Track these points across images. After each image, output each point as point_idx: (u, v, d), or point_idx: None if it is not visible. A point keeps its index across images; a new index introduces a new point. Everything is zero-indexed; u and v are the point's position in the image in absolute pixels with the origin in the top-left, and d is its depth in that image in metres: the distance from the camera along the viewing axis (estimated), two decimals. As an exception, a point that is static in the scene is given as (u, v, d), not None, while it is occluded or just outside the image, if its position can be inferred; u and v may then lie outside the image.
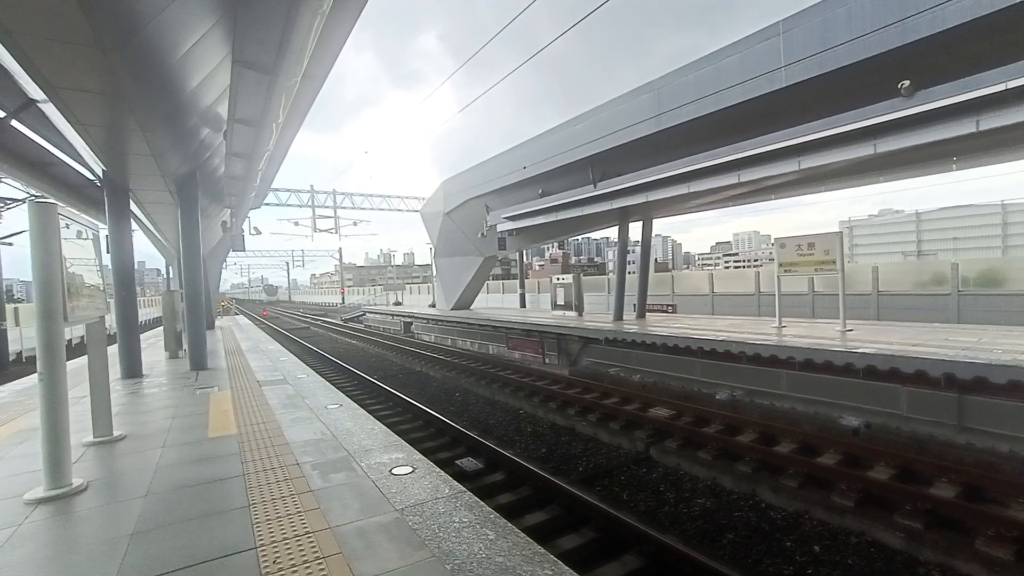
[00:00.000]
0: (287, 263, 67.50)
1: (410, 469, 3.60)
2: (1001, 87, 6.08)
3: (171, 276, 19.37)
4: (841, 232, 9.66)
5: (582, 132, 12.22)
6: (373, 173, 35.99)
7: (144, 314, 29.14)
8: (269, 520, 2.86)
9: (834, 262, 8.90)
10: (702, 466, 6.28)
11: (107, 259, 8.01)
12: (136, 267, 8.82)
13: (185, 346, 9.24)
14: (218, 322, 21.57)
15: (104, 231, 8.41)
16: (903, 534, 4.50)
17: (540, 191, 14.87)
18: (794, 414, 7.78)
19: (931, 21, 6.39)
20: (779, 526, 4.94)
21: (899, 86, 6.84)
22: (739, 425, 7.34)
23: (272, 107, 5.76)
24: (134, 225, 10.12)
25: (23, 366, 15.35)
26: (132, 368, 8.13)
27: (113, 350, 8.25)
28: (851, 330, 9.01)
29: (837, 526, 4.84)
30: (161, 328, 12.11)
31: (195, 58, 5.11)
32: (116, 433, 4.68)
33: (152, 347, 11.99)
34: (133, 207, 9.60)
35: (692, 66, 9.53)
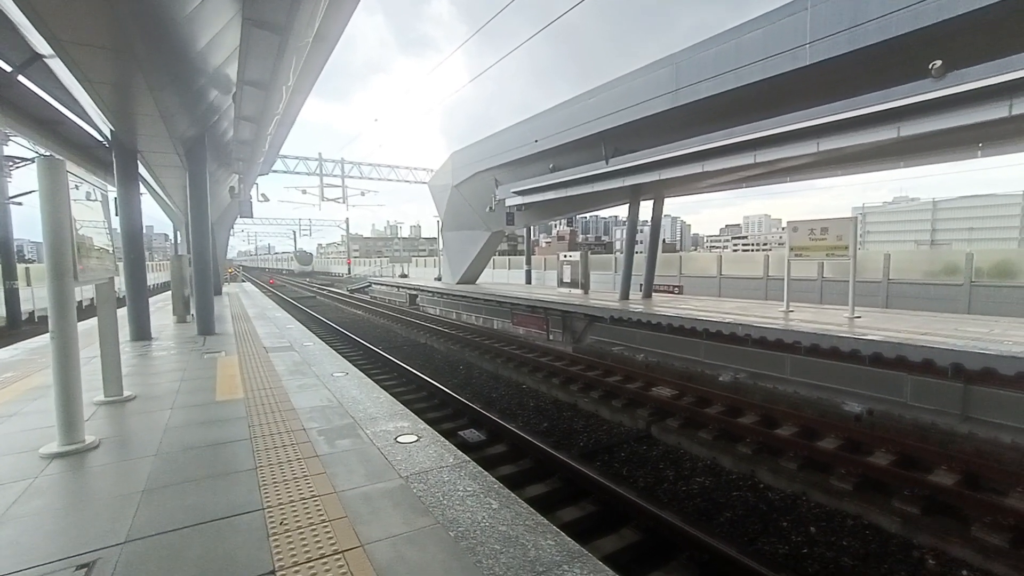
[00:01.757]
0: (294, 232, 67.57)
1: (415, 438, 3.64)
2: (1038, 69, 5.84)
3: (179, 241, 19.43)
4: (855, 218, 9.48)
5: (595, 106, 11.95)
6: (382, 142, 35.74)
7: (152, 278, 29.39)
8: (276, 483, 2.91)
9: (846, 248, 8.76)
10: (702, 446, 6.33)
11: (115, 222, 8.03)
12: (144, 231, 8.82)
13: (193, 311, 9.32)
14: (225, 288, 21.74)
15: (112, 193, 8.42)
16: (899, 518, 4.54)
17: (551, 166, 14.65)
18: (796, 398, 7.80)
19: (969, -2, 6.11)
20: (776, 507, 5.00)
21: (930, 67, 6.58)
22: (741, 407, 7.37)
23: (282, 69, 5.64)
24: (142, 188, 10.09)
25: (35, 325, 15.61)
26: (141, 331, 8.23)
27: (122, 313, 8.34)
28: (859, 317, 8.94)
29: (834, 508, 4.89)
30: (169, 293, 12.21)
31: (205, 15, 4.98)
32: (126, 393, 4.75)
33: (160, 311, 12.12)
34: (142, 170, 9.56)
35: (713, 40, 9.22)
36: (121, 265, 7.84)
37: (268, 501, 2.68)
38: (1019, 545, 4.13)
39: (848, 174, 12.00)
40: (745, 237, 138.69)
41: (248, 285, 28.49)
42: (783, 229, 12.53)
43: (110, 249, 4.64)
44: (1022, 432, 5.78)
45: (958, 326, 7.90)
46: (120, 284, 6.57)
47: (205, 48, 5.67)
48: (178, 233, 18.38)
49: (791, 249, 9.63)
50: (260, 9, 4.82)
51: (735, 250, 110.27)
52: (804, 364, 7.83)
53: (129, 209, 8.00)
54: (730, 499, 5.17)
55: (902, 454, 5.61)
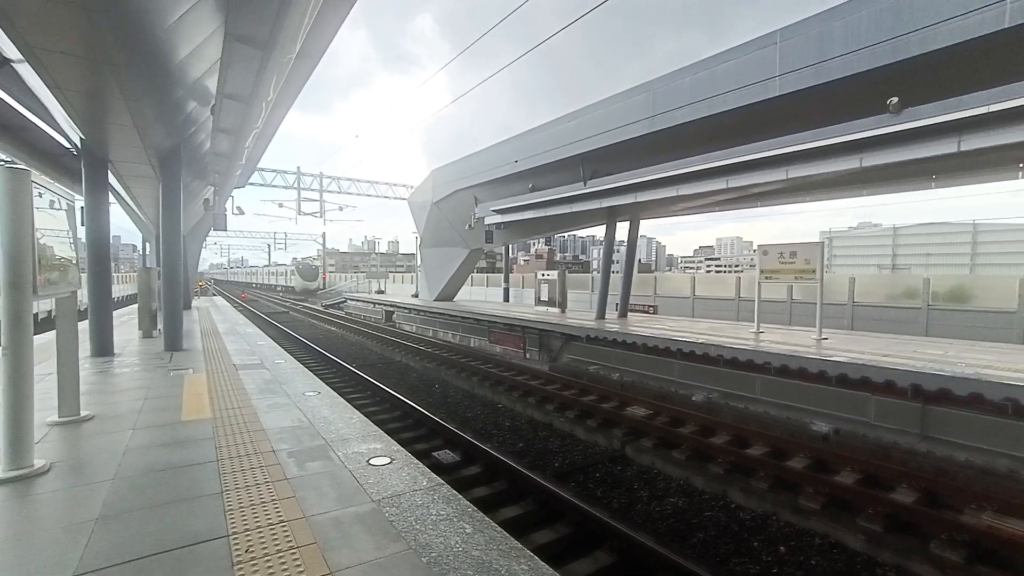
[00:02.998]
0: (268, 245, 66.10)
1: (388, 460, 3.58)
2: (984, 109, 6.25)
3: (147, 252, 18.85)
4: (822, 243, 9.88)
5: (575, 129, 12.22)
6: (363, 157, 35.46)
7: (117, 291, 28.36)
8: (243, 507, 2.81)
9: (814, 271, 9.09)
10: (675, 466, 6.38)
11: (82, 232, 7.78)
12: (111, 242, 8.55)
13: (160, 326, 9.02)
14: (195, 302, 21.11)
15: (79, 202, 8.15)
16: (864, 536, 4.65)
17: (530, 186, 14.85)
18: (767, 418, 7.96)
19: (922, 41, 6.54)
20: (748, 526, 5.06)
21: (888, 102, 6.98)
22: (713, 427, 7.48)
23: (263, 84, 5.61)
24: (111, 198, 9.80)
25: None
26: (103, 346, 7.91)
27: (83, 326, 8.03)
28: (827, 338, 9.24)
29: (803, 527, 4.97)
30: (135, 306, 11.79)
31: (186, 27, 4.96)
32: (83, 413, 4.54)
33: (125, 325, 11.68)
34: (112, 179, 9.30)
35: (688, 69, 9.59)
36: (85, 277, 7.58)
37: (234, 527, 2.59)
38: (974, 561, 4.27)
39: (815, 200, 12.53)
40: (718, 258, 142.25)
41: (219, 299, 27.73)
42: (754, 252, 12.93)
43: (74, 260, 4.49)
44: (975, 450, 6.02)
45: (917, 348, 8.23)
46: (83, 296, 6.34)
47: (185, 60, 5.62)
48: (147, 244, 17.82)
49: (761, 272, 9.93)
50: (243, 24, 4.80)
51: (708, 271, 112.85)
52: (774, 384, 8.02)
53: (97, 220, 7.75)
54: (703, 519, 5.21)
55: (867, 473, 5.76)
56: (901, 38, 6.70)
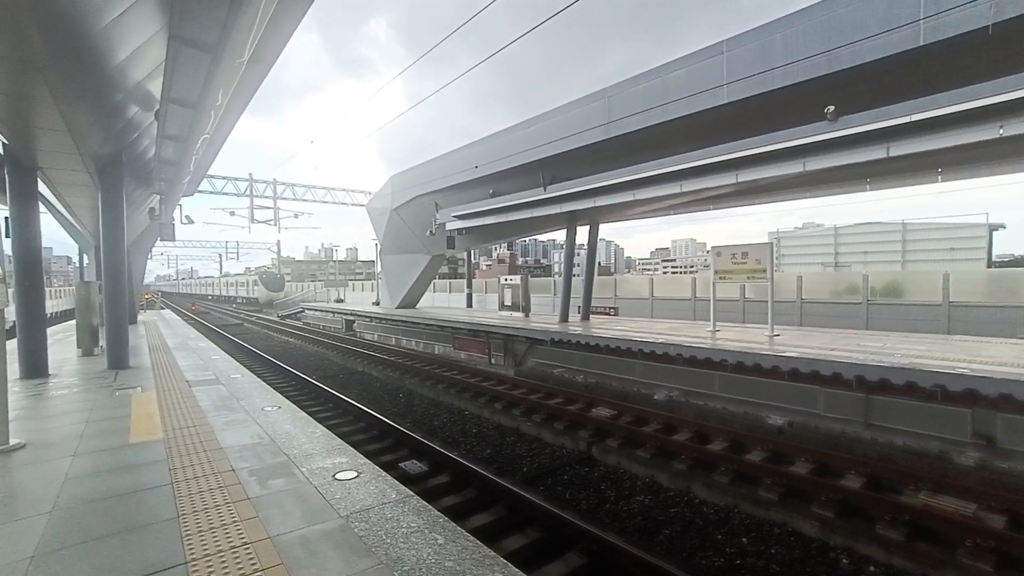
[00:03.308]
0: (220, 255, 63.06)
1: (355, 474, 3.50)
2: (906, 119, 6.76)
3: (85, 265, 17.64)
4: (771, 243, 10.39)
5: (534, 135, 12.36)
6: (318, 163, 34.38)
7: (51, 306, 26.37)
8: (201, 532, 2.68)
9: (765, 271, 9.54)
10: (641, 464, 6.53)
11: (7, 245, 7.21)
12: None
13: (102, 343, 8.45)
14: (141, 316, 19.91)
15: (4, 212, 7.55)
16: (818, 523, 4.91)
17: (491, 191, 14.88)
18: (725, 414, 8.27)
19: (852, 54, 7.01)
20: (711, 520, 5.24)
21: (825, 111, 7.43)
22: (675, 424, 7.71)
23: (213, 89, 5.39)
24: (42, 208, 9.13)
25: None
26: (35, 367, 7.34)
27: (11, 345, 7.45)
28: (778, 335, 9.70)
29: (763, 518, 5.19)
30: (70, 323, 11.00)
31: (124, 27, 4.70)
32: (13, 441, 4.20)
33: (61, 343, 10.88)
34: (42, 187, 8.67)
35: (641, 77, 9.89)
36: (12, 292, 7.03)
37: (192, 553, 2.47)
38: (914, 538, 4.59)
39: (764, 202, 13.15)
40: (674, 260, 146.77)
41: (167, 312, 26.28)
42: (708, 253, 13.44)
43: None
44: (912, 435, 6.48)
45: (859, 341, 8.77)
46: (11, 314, 5.86)
47: (124, 62, 5.33)
48: (85, 256, 16.68)
49: (716, 272, 10.33)
50: (189, 26, 4.60)
51: (665, 272, 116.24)
52: (731, 381, 8.34)
53: (25, 231, 7.21)
54: (669, 516, 5.35)
55: (818, 463, 6.09)
56: (834, 51, 7.16)
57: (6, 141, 6.72)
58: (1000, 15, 5.73)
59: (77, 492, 3.26)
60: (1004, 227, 27.00)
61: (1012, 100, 5.84)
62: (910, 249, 30.67)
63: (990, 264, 25.82)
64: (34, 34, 4.26)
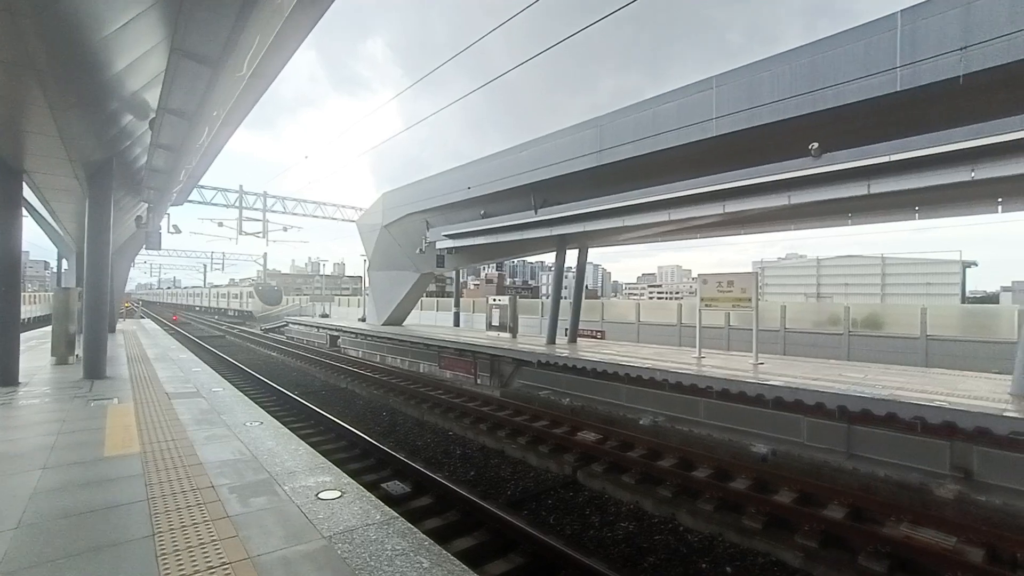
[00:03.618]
0: (204, 265, 62.10)
1: (338, 493, 3.43)
2: (886, 159, 7.04)
3: (63, 270, 17.24)
4: (756, 272, 10.60)
5: (527, 159, 12.56)
6: (311, 179, 34.23)
7: (25, 311, 25.62)
8: (177, 551, 2.59)
9: (750, 299, 9.70)
10: (626, 490, 6.49)
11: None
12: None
13: (79, 351, 8.22)
14: (120, 325, 19.42)
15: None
16: (801, 553, 4.90)
17: (482, 212, 15.00)
18: (711, 441, 8.29)
19: (836, 95, 7.32)
20: (695, 548, 5.20)
21: (810, 147, 7.70)
22: (661, 450, 7.69)
23: (211, 101, 5.42)
24: (23, 211, 8.98)
25: None
26: (5, 374, 7.10)
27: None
28: (763, 363, 9.81)
29: (747, 547, 5.17)
30: (43, 329, 10.70)
31: (126, 38, 4.73)
32: (-21, 452, 4.05)
33: (33, 351, 10.55)
34: (25, 191, 8.53)
35: (633, 108, 10.17)
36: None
37: (167, 573, 2.38)
38: (896, 570, 4.61)
39: (749, 233, 13.46)
40: (660, 286, 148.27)
41: (147, 322, 25.68)
42: (693, 279, 13.66)
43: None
44: (892, 466, 6.55)
45: (841, 372, 8.92)
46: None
47: (123, 71, 5.34)
48: (64, 261, 16.32)
49: (702, 299, 10.48)
50: (192, 39, 4.65)
51: (651, 298, 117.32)
52: (716, 408, 8.39)
53: (6, 235, 7.06)
54: (653, 543, 5.30)
55: (802, 492, 6.11)
56: (819, 91, 7.47)
57: (-8, 143, 6.64)
58: (969, 67, 6.06)
59: (45, 507, 3.13)
60: (976, 264, 27.94)
61: (983, 145, 6.13)
62: (889, 283, 31.49)
63: (964, 299, 26.59)
64: (34, 39, 4.27)
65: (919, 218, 10.49)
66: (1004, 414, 5.76)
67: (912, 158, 6.78)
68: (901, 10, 6.67)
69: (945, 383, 7.83)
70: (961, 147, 6.29)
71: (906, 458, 6.50)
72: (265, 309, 44.90)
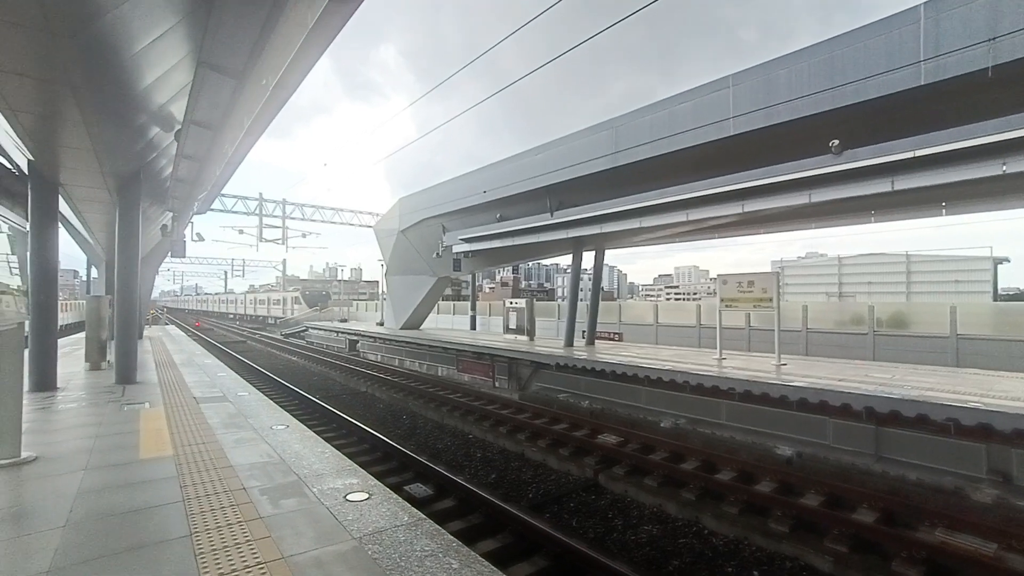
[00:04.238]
0: (225, 272, 63.50)
1: (366, 495, 3.48)
2: (910, 154, 6.90)
3: (93, 278, 17.79)
4: (778, 272, 10.44)
5: (542, 162, 12.58)
6: (330, 186, 34.53)
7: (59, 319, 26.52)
8: (215, 551, 2.67)
9: (771, 299, 9.56)
10: (648, 493, 6.44)
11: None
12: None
13: (110, 357, 8.48)
14: (146, 332, 19.97)
15: (23, 227, 7.68)
16: (831, 557, 4.81)
17: (498, 216, 15.06)
18: (733, 443, 8.17)
19: (856, 91, 7.19)
20: (721, 552, 5.13)
21: (830, 144, 7.58)
22: (683, 453, 7.61)
23: (236, 112, 5.57)
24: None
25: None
26: (44, 380, 7.36)
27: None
28: (785, 364, 9.65)
29: (774, 551, 5.09)
30: (75, 336, 11.06)
31: (155, 53, 4.89)
32: (25, 455, 4.21)
33: (67, 357, 10.91)
34: (61, 203, 8.85)
35: (648, 109, 10.12)
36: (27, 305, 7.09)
37: (206, 571, 2.46)
38: (933, 578, 4.49)
39: (768, 232, 13.26)
40: (677, 287, 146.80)
41: (172, 328, 26.34)
42: (711, 280, 13.52)
43: (23, 288, 4.24)
44: (924, 469, 6.38)
45: (867, 372, 8.73)
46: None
47: (152, 85, 5.52)
48: (94, 269, 16.83)
49: (722, 300, 10.36)
50: (218, 52, 4.80)
51: (668, 299, 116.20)
52: (738, 410, 8.28)
53: (44, 247, 7.31)
54: (677, 547, 5.25)
55: (830, 495, 5.99)
56: (838, 88, 7.35)
57: (32, 158, 6.90)
58: (998, 59, 5.91)
59: (90, 507, 3.25)
60: (1008, 261, 27.07)
61: (1015, 138, 5.96)
62: (914, 281, 30.68)
63: (996, 297, 25.78)
64: (71, 59, 4.45)
65: (946, 214, 10.21)
66: (1042, 415, 5.58)
67: (939, 153, 6.63)
68: (924, 2, 6.54)
69: (979, 383, 7.61)
70: (991, 140, 6.13)
71: (939, 461, 6.32)
72: (309, 311, 39.72)
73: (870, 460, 6.85)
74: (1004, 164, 6.20)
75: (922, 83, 6.56)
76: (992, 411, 5.79)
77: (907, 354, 12.58)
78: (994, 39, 5.89)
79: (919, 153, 6.82)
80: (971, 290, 25.65)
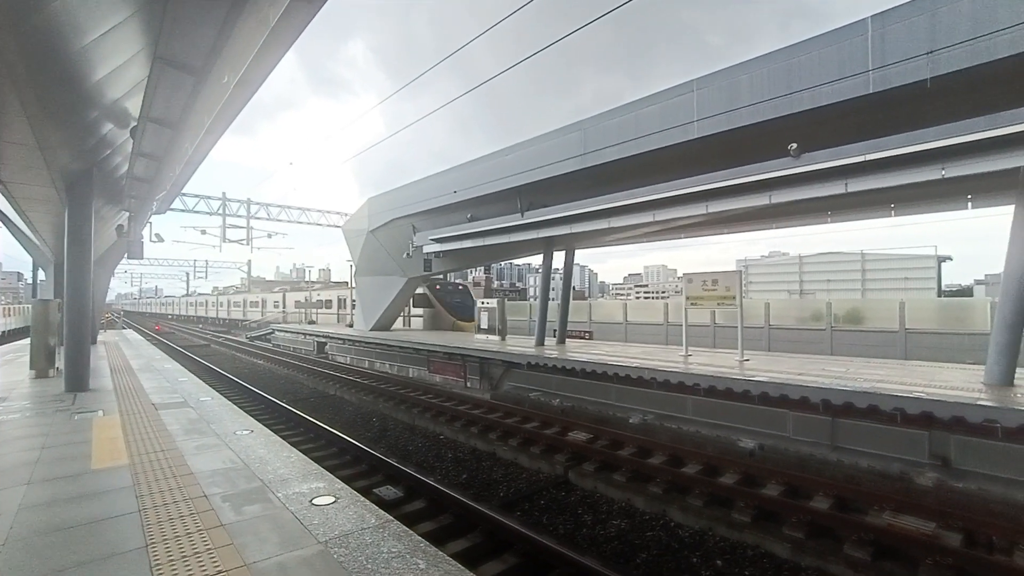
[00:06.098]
0: (187, 273, 61.07)
1: (332, 499, 3.44)
2: (861, 158, 7.25)
3: (40, 281, 16.85)
4: (740, 271, 10.79)
5: (512, 163, 12.63)
6: (297, 185, 33.50)
7: (1, 325, 24.96)
8: (172, 561, 2.59)
9: (734, 297, 9.88)
10: (617, 488, 6.56)
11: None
12: None
13: (59, 364, 8.06)
14: (100, 336, 19.03)
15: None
16: (789, 544, 5.02)
17: (469, 216, 15.03)
18: (699, 437, 8.41)
19: (812, 97, 7.51)
20: (687, 543, 5.29)
21: (789, 148, 7.89)
22: (651, 448, 7.79)
23: (195, 109, 5.39)
24: None
25: None
26: (-16, 389, 6.95)
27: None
28: (748, 360, 9.99)
29: (736, 540, 5.28)
30: (20, 343, 10.46)
31: (106, 46, 4.69)
32: (-39, 469, 3.97)
33: (10, 364, 10.31)
34: (3, 201, 8.38)
35: (616, 111, 10.30)
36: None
37: (163, 583, 2.38)
38: (879, 558, 4.75)
39: (733, 232, 13.68)
40: (646, 285, 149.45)
41: (130, 332, 25.20)
42: (679, 279, 13.84)
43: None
44: (875, 457, 6.73)
45: (824, 366, 9.12)
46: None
47: (103, 80, 5.29)
48: (41, 272, 15.95)
49: (687, 298, 10.64)
50: (175, 48, 4.63)
51: (638, 298, 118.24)
52: (704, 405, 8.52)
53: (-16, 247, 6.91)
54: (645, 540, 5.38)
55: (789, 485, 6.24)
56: (796, 93, 7.66)
57: (-32, 154, 6.51)
58: (936, 71, 6.29)
59: (33, 523, 3.09)
60: (951, 259, 28.73)
61: (952, 145, 6.35)
62: (869, 278, 32.21)
63: (940, 293, 27.32)
64: (12, 50, 4.22)
65: (895, 215, 10.77)
66: (978, 403, 5.97)
67: (886, 157, 6.99)
68: (871, 15, 6.89)
69: (923, 375, 8.06)
70: (931, 147, 6.51)
71: (888, 448, 6.68)
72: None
73: (827, 450, 7.17)
74: (943, 169, 6.59)
75: (871, 91, 6.91)
76: (934, 400, 6.15)
77: (862, 348, 13.23)
78: (932, 52, 6.26)
79: (869, 157, 7.17)
80: (918, 287, 27.12)
